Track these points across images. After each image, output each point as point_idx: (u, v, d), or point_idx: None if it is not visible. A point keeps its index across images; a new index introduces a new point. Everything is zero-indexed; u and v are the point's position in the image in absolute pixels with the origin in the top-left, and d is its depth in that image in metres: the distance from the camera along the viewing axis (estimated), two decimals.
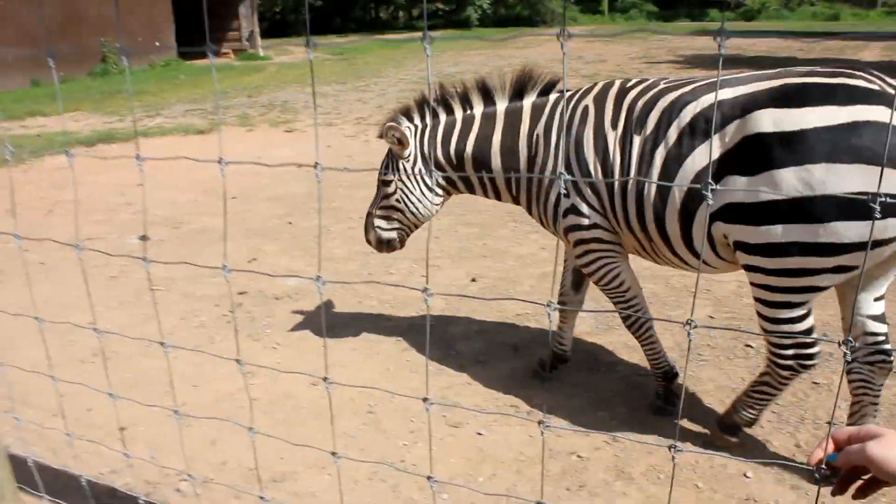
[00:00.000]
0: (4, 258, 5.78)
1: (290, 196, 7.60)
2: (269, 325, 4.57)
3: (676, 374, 3.47)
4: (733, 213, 2.65)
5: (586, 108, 3.13)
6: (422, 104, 3.62)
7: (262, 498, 2.05)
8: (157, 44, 21.36)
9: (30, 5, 17.82)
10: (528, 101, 3.39)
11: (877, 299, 2.82)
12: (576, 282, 3.79)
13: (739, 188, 2.59)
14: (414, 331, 4.44)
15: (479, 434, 3.36)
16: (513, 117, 3.39)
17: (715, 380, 3.75)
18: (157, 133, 11.16)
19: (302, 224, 6.64)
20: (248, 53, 24.18)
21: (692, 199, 2.76)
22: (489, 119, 3.44)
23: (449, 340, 4.29)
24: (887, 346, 2.82)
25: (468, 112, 3.51)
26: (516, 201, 3.50)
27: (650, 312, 3.54)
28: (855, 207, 2.39)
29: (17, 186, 8.17)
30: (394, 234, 3.87)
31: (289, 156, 9.48)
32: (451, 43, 26.36)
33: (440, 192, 3.71)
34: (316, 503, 2.97)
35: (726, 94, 2.69)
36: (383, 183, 3.73)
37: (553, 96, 3.35)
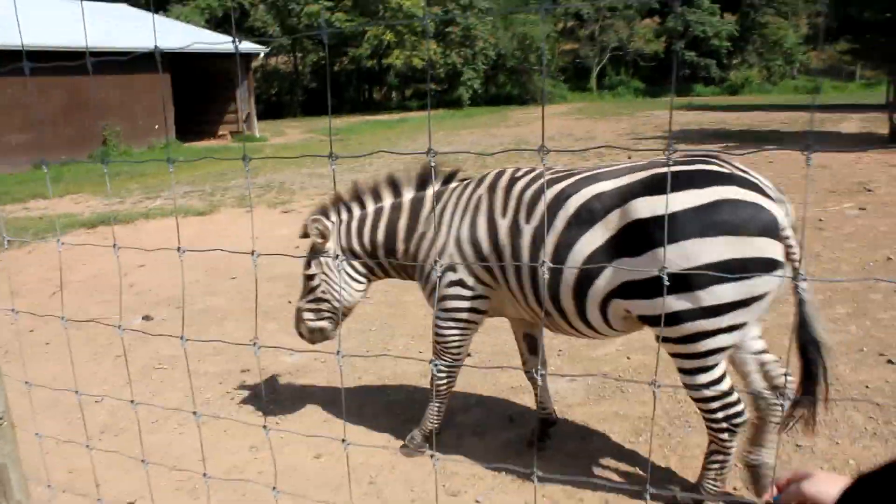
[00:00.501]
0: (10, 337, 5.94)
1: (288, 275, 7.81)
2: (272, 402, 4.72)
3: (431, 435, 3.84)
4: (630, 290, 3.01)
5: (480, 196, 3.52)
6: (337, 202, 3.97)
7: None
8: (157, 126, 21.89)
9: (36, 93, 18.37)
10: (430, 191, 3.75)
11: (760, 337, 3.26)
12: (530, 347, 4.04)
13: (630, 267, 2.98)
14: (413, 404, 4.59)
15: (478, 502, 3.49)
16: (417, 205, 3.79)
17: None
18: (158, 215, 11.44)
19: None
20: (246, 135, 24.73)
21: (585, 280, 3.12)
22: (396, 209, 3.82)
23: (447, 413, 4.45)
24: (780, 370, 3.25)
25: (379, 204, 3.88)
26: (408, 276, 3.91)
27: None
28: (728, 271, 2.77)
29: (20, 268, 8.38)
30: (324, 324, 4.13)
31: (286, 235, 9.72)
32: (442, 122, 27.04)
33: (361, 279, 4.04)
34: None
35: (607, 186, 3.10)
36: (307, 277, 4.04)
37: (453, 185, 3.73)
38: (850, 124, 20.91)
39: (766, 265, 2.80)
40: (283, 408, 4.61)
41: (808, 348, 3.00)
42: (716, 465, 3.22)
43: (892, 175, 12.39)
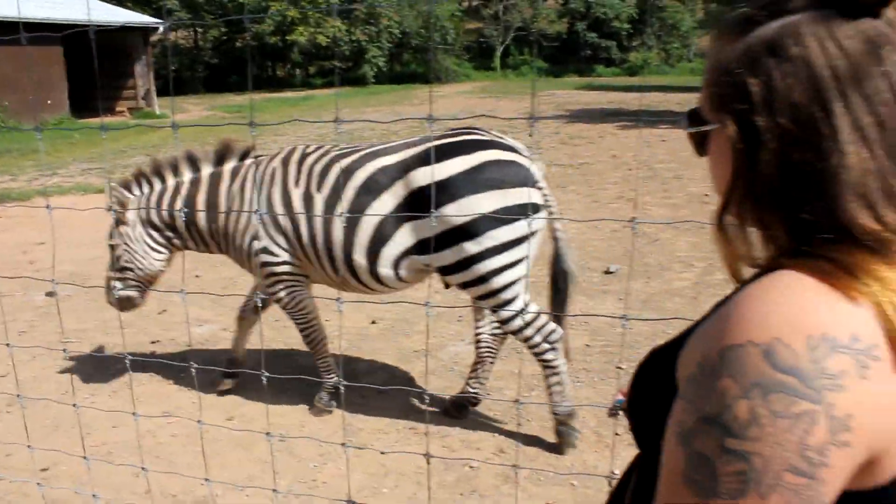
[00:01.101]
0: None
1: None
2: (182, 370, 4.86)
3: (336, 391, 4.23)
4: (425, 247, 3.56)
5: (274, 170, 3.96)
6: (139, 177, 4.28)
7: None
8: (49, 102, 21.13)
9: None
10: (227, 167, 4.14)
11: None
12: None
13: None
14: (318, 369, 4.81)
15: (382, 453, 3.76)
16: (215, 179, 4.13)
17: (590, 398, 4.27)
18: (55, 192, 11.18)
19: (208, 277, 6.92)
20: (145, 112, 24.12)
21: (377, 242, 3.66)
22: (195, 184, 4.16)
23: (355, 376, 4.68)
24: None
25: (178, 179, 4.22)
26: (221, 250, 4.25)
27: (325, 331, 4.33)
28: (500, 217, 3.42)
29: None
30: (131, 292, 4.45)
31: None
32: (348, 100, 27.00)
33: (161, 249, 4.34)
34: None
35: (389, 160, 3.67)
36: (111, 248, 4.36)
37: (248, 161, 4.12)
38: None
39: (529, 210, 3.43)
40: (194, 376, 4.75)
41: (559, 277, 3.74)
42: (557, 387, 3.70)
43: None
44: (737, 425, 0.73)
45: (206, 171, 4.18)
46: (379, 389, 4.49)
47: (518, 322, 3.58)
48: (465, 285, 3.63)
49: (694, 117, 0.97)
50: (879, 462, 0.76)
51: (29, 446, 3.09)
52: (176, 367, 4.89)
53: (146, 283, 4.43)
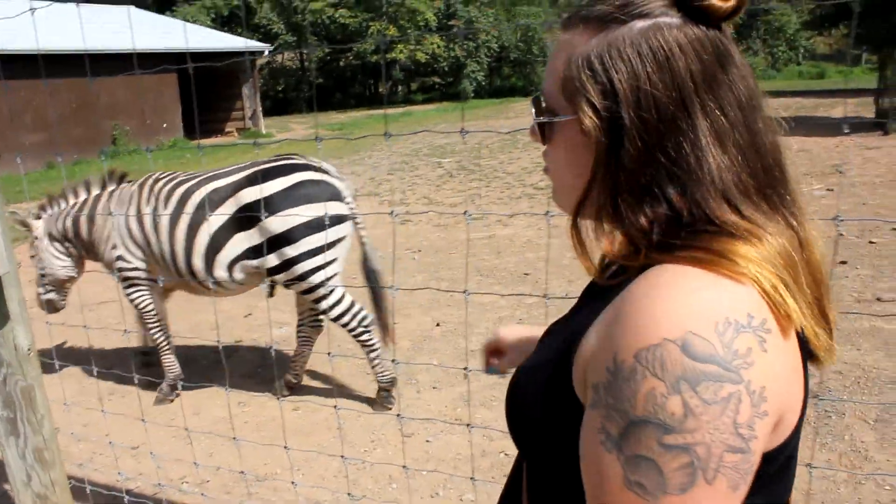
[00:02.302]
0: None
1: None
2: (261, 366, 5.33)
3: (175, 383, 4.91)
4: (255, 252, 4.30)
5: (132, 192, 4.68)
6: (51, 199, 5.05)
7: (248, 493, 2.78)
8: (165, 125, 22.55)
9: (46, 94, 19.05)
10: (108, 189, 4.91)
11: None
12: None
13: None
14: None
15: (428, 441, 4.09)
16: (95, 201, 4.88)
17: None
18: None
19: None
20: (252, 131, 25.37)
21: (211, 250, 4.35)
22: (83, 204, 4.92)
23: (411, 373, 5.04)
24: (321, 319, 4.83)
25: (74, 200, 4.97)
26: (97, 258, 4.93)
27: (170, 330, 5.04)
28: (313, 226, 4.19)
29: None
30: (51, 296, 5.29)
31: None
32: (445, 115, 27.58)
33: (65, 258, 5.10)
34: (291, 494, 3.69)
35: (221, 182, 4.40)
36: (31, 257, 5.17)
37: (123, 185, 4.88)
38: (842, 109, 21.29)
39: (337, 220, 4.26)
40: (269, 370, 5.22)
41: (370, 276, 4.47)
42: (377, 361, 4.50)
43: (866, 157, 12.86)
44: (673, 421, 0.74)
45: (94, 192, 4.94)
46: (432, 385, 4.83)
47: (336, 311, 4.37)
48: (288, 283, 4.38)
49: (539, 106, 0.97)
50: (781, 423, 0.83)
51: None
52: (254, 364, 5.37)
53: (60, 286, 5.24)
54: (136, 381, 4.71)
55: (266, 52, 26.96)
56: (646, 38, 0.88)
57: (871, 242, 7.52)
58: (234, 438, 3.42)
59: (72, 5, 21.76)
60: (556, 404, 0.91)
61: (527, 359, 1.05)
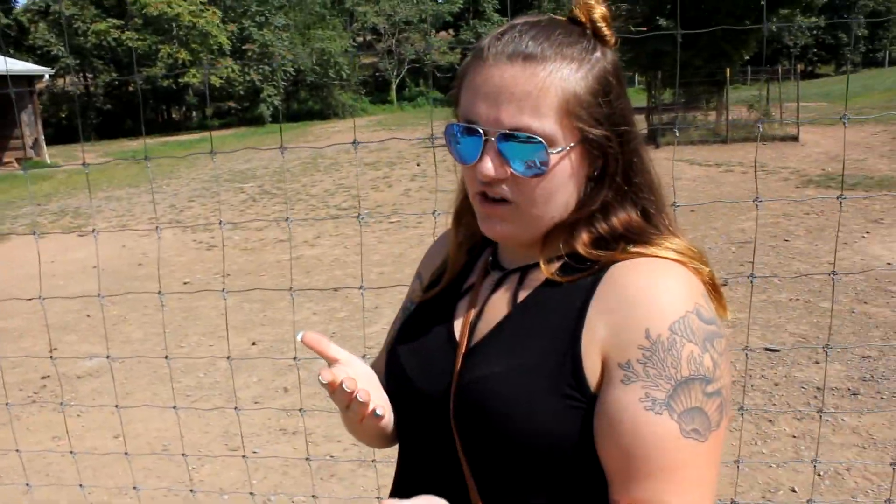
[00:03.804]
0: None
1: (85, 292, 8.16)
2: (72, 399, 5.23)
3: None
4: None
5: None
6: None
7: None
8: None
9: None
10: None
11: None
12: None
13: None
14: (202, 387, 5.26)
15: (255, 452, 4.25)
16: None
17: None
18: None
19: (98, 315, 7.24)
20: (34, 161, 23.78)
21: None
22: None
23: (233, 391, 5.16)
24: None
25: None
26: None
27: None
28: None
29: None
30: None
31: (83, 258, 9.94)
32: (244, 139, 27.24)
33: None
34: None
35: None
36: None
37: None
38: None
39: None
40: (83, 402, 5.14)
41: None
42: None
43: None
44: (710, 373, 0.90)
45: None
46: (255, 400, 4.99)
47: None
48: None
49: (536, 149, 0.94)
50: None
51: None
52: (64, 397, 5.26)
53: None
54: None
55: (45, 76, 25.42)
56: (617, 67, 1.00)
57: None
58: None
59: None
60: (554, 402, 0.94)
61: (477, 367, 1.01)
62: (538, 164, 0.94)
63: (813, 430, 4.12)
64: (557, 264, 1.03)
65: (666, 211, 1.05)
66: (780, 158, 14.22)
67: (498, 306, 1.07)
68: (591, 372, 0.94)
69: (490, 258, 1.15)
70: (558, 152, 0.95)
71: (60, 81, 37.60)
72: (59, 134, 34.03)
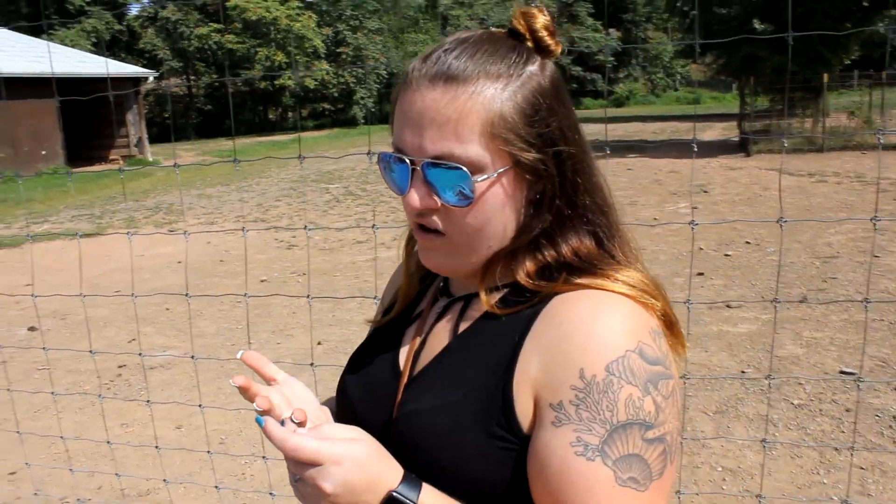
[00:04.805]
0: None
1: (167, 287, 8.47)
2: (143, 389, 5.44)
3: None
4: None
5: None
6: None
7: None
8: (44, 152, 21.87)
9: None
10: None
11: None
12: None
13: None
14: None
15: None
16: None
17: None
18: (45, 238, 11.83)
19: (177, 310, 7.51)
20: (137, 159, 24.87)
21: None
22: None
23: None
24: None
25: None
26: None
27: None
28: None
29: None
30: None
31: (171, 253, 10.32)
32: (335, 141, 27.79)
33: None
34: None
35: None
36: None
37: None
38: (712, 132, 22.73)
39: None
40: (152, 392, 5.33)
41: None
42: None
43: (728, 177, 13.86)
44: (650, 417, 0.83)
45: None
46: None
47: None
48: None
49: (462, 177, 0.89)
50: None
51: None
52: (136, 387, 5.47)
53: None
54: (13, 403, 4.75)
55: (150, 78, 26.53)
56: (558, 83, 0.94)
57: (726, 255, 8.21)
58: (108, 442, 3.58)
59: None
60: (482, 441, 0.89)
61: (413, 400, 0.98)
62: (466, 193, 0.89)
63: (884, 462, 3.91)
64: (499, 295, 0.97)
65: (620, 235, 0.99)
66: (882, 169, 13.57)
67: (441, 335, 1.02)
68: (523, 412, 0.88)
69: (441, 283, 1.11)
70: (485, 179, 0.89)
71: (165, 83, 39.23)
72: (163, 133, 35.50)
